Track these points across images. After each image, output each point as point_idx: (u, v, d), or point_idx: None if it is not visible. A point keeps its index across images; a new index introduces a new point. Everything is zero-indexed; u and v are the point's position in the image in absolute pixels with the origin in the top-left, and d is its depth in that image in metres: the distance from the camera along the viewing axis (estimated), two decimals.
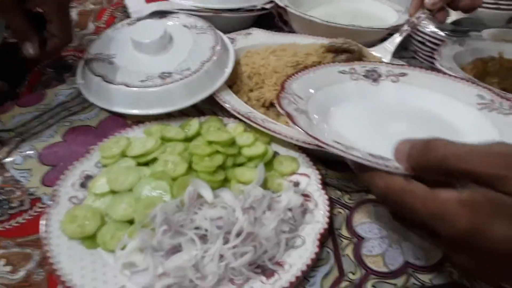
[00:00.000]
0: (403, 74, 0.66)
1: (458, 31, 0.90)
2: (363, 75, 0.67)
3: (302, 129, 0.47)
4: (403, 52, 0.93)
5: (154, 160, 0.55)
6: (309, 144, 0.55)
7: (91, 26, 0.94)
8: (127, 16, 0.91)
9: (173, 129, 0.59)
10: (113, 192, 0.51)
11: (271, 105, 0.67)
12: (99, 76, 0.66)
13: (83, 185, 0.53)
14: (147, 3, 0.87)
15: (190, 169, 0.53)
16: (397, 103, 0.61)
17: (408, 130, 0.56)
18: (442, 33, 0.89)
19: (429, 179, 0.36)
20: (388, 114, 0.60)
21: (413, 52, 0.94)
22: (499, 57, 0.79)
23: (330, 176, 0.57)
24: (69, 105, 0.69)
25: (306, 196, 0.51)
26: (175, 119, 0.63)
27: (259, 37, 0.83)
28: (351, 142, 0.49)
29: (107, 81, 0.64)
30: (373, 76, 0.67)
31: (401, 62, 0.77)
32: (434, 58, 0.79)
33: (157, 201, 0.48)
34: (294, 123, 0.49)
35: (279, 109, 0.52)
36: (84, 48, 0.81)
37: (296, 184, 0.54)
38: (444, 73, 0.65)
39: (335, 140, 0.47)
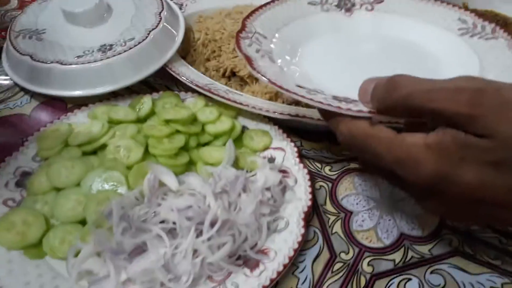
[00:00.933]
0: (379, 1, 0.61)
1: None
2: (335, 5, 0.61)
3: (260, 74, 0.41)
4: None
5: (103, 147, 0.46)
6: (281, 113, 0.49)
7: (14, 1, 0.82)
8: None
9: (122, 110, 0.51)
10: (56, 189, 0.42)
11: (233, 74, 0.60)
12: (26, 55, 0.56)
13: (19, 184, 0.44)
14: None
15: (146, 154, 0.46)
16: (373, 35, 0.56)
17: (384, 65, 0.51)
18: None
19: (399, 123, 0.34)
20: (363, 48, 0.55)
21: None
22: (464, 6, 0.76)
23: (306, 148, 0.51)
24: None
25: (283, 172, 0.46)
26: (123, 98, 0.55)
27: (209, 0, 0.75)
28: (320, 84, 0.45)
29: (37, 60, 0.55)
30: (346, 5, 0.61)
31: None
32: None
33: (111, 195, 0.41)
34: (253, 67, 0.42)
35: (237, 51, 0.45)
36: (7, 26, 0.70)
37: (271, 159, 0.48)
38: None
39: (298, 85, 0.42)
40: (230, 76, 0.61)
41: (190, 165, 0.47)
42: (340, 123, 0.36)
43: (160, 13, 0.61)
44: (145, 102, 0.53)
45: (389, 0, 0.59)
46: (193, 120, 0.50)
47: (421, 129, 0.32)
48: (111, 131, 0.48)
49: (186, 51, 0.65)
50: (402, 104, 0.32)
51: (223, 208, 0.39)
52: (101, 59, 0.53)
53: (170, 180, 0.42)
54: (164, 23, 0.60)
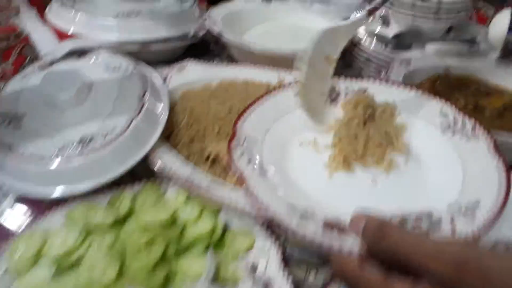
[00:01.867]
0: (364, 90, 0.61)
1: (401, 44, 0.86)
2: None
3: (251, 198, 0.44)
4: (348, 70, 0.88)
5: (79, 260, 0.45)
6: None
7: None
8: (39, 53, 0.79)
9: (100, 211, 0.49)
10: None
11: (215, 160, 0.59)
12: (5, 145, 0.54)
13: None
14: (60, 40, 0.76)
15: (123, 267, 0.44)
16: None
17: None
18: (387, 49, 0.85)
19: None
20: None
21: (358, 70, 0.89)
22: (445, 74, 0.76)
23: (290, 244, 0.50)
24: None
25: (267, 284, 0.44)
26: (103, 192, 0.53)
27: (195, 71, 0.74)
28: (308, 196, 0.47)
29: (13, 152, 0.53)
30: (331, 96, 0.61)
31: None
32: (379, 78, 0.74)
33: None
34: (249, 192, 0.45)
35: (231, 167, 0.48)
36: None
37: (254, 267, 0.46)
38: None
39: (290, 203, 0.44)
40: (214, 161, 0.59)
41: (168, 278, 0.45)
42: (332, 259, 0.39)
43: (143, 96, 0.60)
44: (124, 200, 0.51)
45: (373, 87, 0.59)
46: (173, 221, 0.49)
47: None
48: (87, 241, 0.46)
49: (170, 130, 0.64)
50: (389, 252, 0.35)
51: None
52: (82, 154, 0.52)
53: None
54: (147, 108, 0.58)
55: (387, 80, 0.64)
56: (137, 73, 0.65)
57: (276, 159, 0.51)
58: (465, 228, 0.42)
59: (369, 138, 0.55)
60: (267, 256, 0.47)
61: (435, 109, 0.57)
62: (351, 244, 0.39)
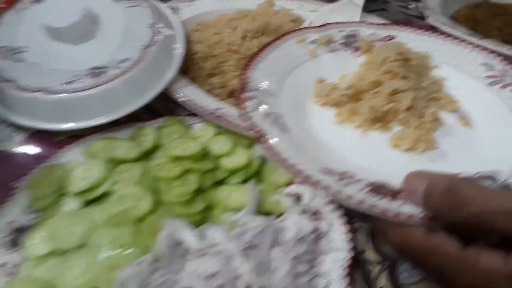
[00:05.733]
0: (390, 37, 0.55)
1: None
2: (342, 43, 0.55)
3: (277, 157, 0.37)
4: (370, 4, 0.82)
5: (106, 194, 0.40)
6: None
7: None
8: None
9: (122, 145, 0.45)
10: (59, 251, 0.36)
11: None
12: (8, 81, 0.49)
13: (14, 243, 0.38)
14: None
15: (157, 200, 0.40)
16: None
17: None
18: None
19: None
20: None
21: (382, 3, 0.83)
22: (485, 1, 0.71)
23: None
24: None
25: (315, 214, 0.40)
26: (121, 127, 0.48)
27: (206, 2, 0.68)
28: (340, 157, 0.41)
29: (19, 88, 0.48)
30: (354, 43, 0.55)
31: (380, 20, 0.65)
32: (408, 9, 0.69)
33: (122, 260, 0.35)
34: (268, 145, 0.38)
35: (243, 120, 0.41)
36: None
37: (298, 198, 0.42)
38: (437, 32, 0.55)
39: (325, 167, 0.37)
40: None
41: (207, 211, 0.41)
42: (389, 229, 0.32)
43: (155, 25, 0.54)
44: (148, 134, 0.46)
45: (402, 35, 0.54)
46: (205, 153, 0.44)
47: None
48: (113, 173, 0.41)
49: (185, 65, 0.58)
50: (470, 223, 0.29)
51: (256, 271, 0.34)
52: (94, 86, 0.46)
53: (189, 237, 0.36)
54: (161, 37, 0.53)
55: (419, 27, 0.56)
56: (144, 2, 0.59)
57: (293, 112, 0.45)
58: None
59: (406, 93, 0.46)
60: (310, 189, 0.43)
61: (477, 60, 0.50)
62: (411, 210, 0.33)
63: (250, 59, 0.48)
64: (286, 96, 0.46)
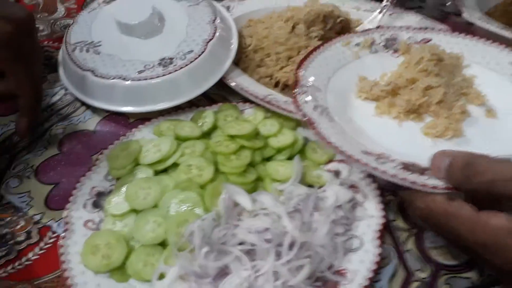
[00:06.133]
0: (427, 40, 0.60)
1: None
2: (383, 45, 0.60)
3: (325, 141, 0.43)
4: (409, 1, 0.86)
5: (174, 165, 0.48)
6: None
7: (60, 8, 0.83)
8: None
9: (187, 125, 0.52)
10: (135, 211, 0.44)
11: (285, 85, 0.60)
12: (87, 70, 0.57)
13: (96, 204, 0.46)
14: None
15: (216, 171, 0.47)
16: None
17: None
18: None
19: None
20: None
21: (420, 1, 0.86)
22: None
23: None
24: (57, 107, 0.60)
25: (352, 187, 0.46)
26: (183, 111, 0.56)
27: (257, 0, 0.74)
28: (378, 142, 0.46)
29: (98, 76, 0.56)
30: (393, 45, 0.60)
31: (417, 16, 0.69)
32: (445, 5, 0.72)
33: (189, 217, 0.42)
34: (317, 131, 0.44)
35: (297, 111, 0.47)
36: (59, 36, 0.71)
37: (337, 173, 0.48)
38: (470, 34, 0.58)
39: (365, 150, 0.43)
40: (283, 87, 0.60)
41: (258, 182, 0.47)
42: (416, 198, 0.38)
43: (214, 21, 0.61)
44: (208, 117, 0.53)
45: (438, 38, 0.58)
46: (256, 134, 0.51)
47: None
48: (180, 149, 0.49)
49: (238, 57, 0.65)
50: (484, 190, 0.34)
51: (300, 230, 0.40)
52: (163, 74, 0.54)
53: (244, 200, 0.43)
54: (220, 32, 0.60)
55: (453, 30, 0.61)
56: (204, 1, 0.66)
57: (339, 105, 0.51)
58: None
59: (438, 89, 0.51)
60: (348, 167, 0.48)
61: (505, 58, 0.54)
62: (436, 182, 0.38)
63: (303, 59, 0.55)
64: (332, 91, 0.52)
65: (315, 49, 0.56)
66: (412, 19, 0.71)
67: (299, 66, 0.53)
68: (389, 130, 0.49)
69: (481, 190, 0.34)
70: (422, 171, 0.39)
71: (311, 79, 0.52)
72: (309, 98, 0.49)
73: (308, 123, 0.45)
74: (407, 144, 0.44)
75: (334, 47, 0.58)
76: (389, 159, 0.42)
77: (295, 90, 0.50)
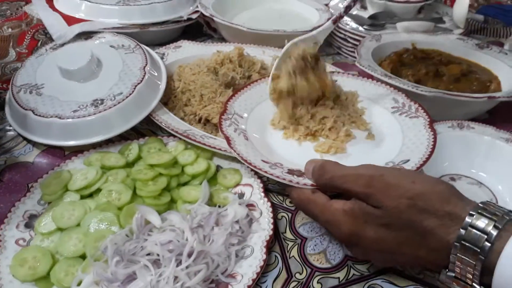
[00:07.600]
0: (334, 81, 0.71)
1: (376, 24, 0.96)
2: None
3: (235, 152, 0.55)
4: (327, 48, 0.99)
5: (98, 191, 0.55)
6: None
7: (12, 53, 0.91)
8: (50, 38, 0.89)
9: (113, 156, 0.60)
10: (60, 229, 0.51)
11: (207, 121, 0.69)
12: (28, 110, 0.64)
13: (28, 225, 0.53)
14: (69, 25, 0.86)
15: (134, 195, 0.54)
16: None
17: None
18: (361, 29, 0.95)
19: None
20: None
21: (337, 48, 0.99)
22: (412, 47, 0.86)
23: (271, 182, 0.60)
24: (1, 142, 0.67)
25: (251, 205, 0.54)
26: (114, 144, 0.64)
27: (189, 49, 0.85)
28: (279, 155, 0.59)
29: (37, 115, 0.63)
30: None
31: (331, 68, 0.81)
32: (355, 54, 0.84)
33: (106, 233, 0.49)
34: (230, 146, 0.56)
35: (220, 132, 0.59)
36: (8, 79, 0.78)
37: (241, 195, 0.57)
38: (366, 76, 0.71)
39: (263, 160, 0.55)
40: (205, 122, 0.69)
41: (172, 203, 0.55)
42: (292, 190, 0.50)
43: (145, 67, 0.70)
44: (133, 148, 0.62)
45: (341, 79, 0.70)
46: (174, 163, 0.59)
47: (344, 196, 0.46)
48: (104, 176, 0.56)
49: (167, 97, 0.74)
50: (328, 184, 0.47)
51: (199, 240, 0.48)
52: (94, 113, 0.62)
53: (154, 218, 0.50)
54: (148, 76, 0.69)
55: (352, 74, 0.75)
56: (138, 49, 0.75)
57: (257, 130, 0.63)
58: None
59: (329, 119, 0.64)
60: (251, 188, 0.57)
61: (389, 96, 0.68)
62: (306, 181, 0.50)
63: (233, 94, 0.67)
64: (253, 119, 0.65)
65: (244, 86, 0.69)
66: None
67: (229, 99, 0.65)
68: (292, 148, 0.62)
69: (328, 185, 0.47)
70: (301, 174, 0.51)
71: (236, 108, 0.64)
72: (231, 122, 0.61)
73: (226, 140, 0.57)
74: (302, 158, 0.54)
75: (259, 86, 0.70)
76: (280, 166, 0.54)
77: (222, 116, 0.61)
